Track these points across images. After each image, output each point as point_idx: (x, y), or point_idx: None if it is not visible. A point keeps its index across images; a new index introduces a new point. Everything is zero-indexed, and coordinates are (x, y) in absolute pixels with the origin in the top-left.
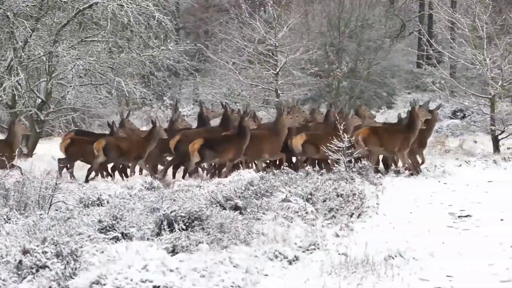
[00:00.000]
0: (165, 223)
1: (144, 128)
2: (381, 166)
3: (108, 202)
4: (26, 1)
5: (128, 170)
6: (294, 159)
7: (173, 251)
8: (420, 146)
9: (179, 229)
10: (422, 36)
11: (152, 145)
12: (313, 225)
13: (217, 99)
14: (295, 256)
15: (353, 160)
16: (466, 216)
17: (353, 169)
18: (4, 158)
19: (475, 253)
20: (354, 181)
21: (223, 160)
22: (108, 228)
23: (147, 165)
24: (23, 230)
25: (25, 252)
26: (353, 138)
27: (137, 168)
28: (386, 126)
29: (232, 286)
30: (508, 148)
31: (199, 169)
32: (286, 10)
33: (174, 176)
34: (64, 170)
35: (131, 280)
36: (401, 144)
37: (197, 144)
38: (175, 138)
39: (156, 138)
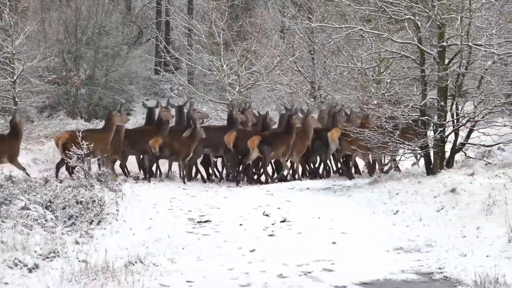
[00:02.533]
0: None
1: None
2: None
3: None
4: None
5: None
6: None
7: None
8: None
9: None
10: (159, 43)
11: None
12: (53, 233)
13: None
14: (35, 264)
15: None
16: (206, 221)
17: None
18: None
19: (215, 258)
20: (94, 188)
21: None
22: None
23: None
24: None
25: None
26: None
27: None
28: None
29: None
30: None
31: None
32: (23, 18)
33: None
34: None
35: None
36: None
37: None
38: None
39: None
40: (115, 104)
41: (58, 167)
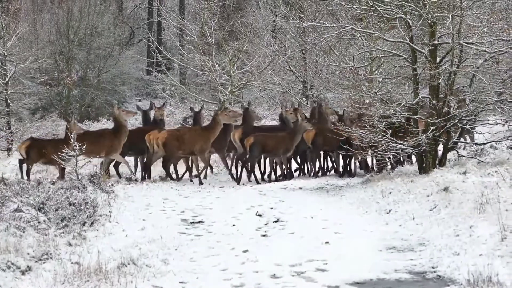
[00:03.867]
0: None
1: None
2: None
3: None
4: None
5: None
6: None
7: None
8: None
9: None
10: (151, 44)
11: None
12: (46, 235)
13: None
14: (28, 266)
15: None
16: (199, 222)
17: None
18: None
19: (208, 258)
20: (87, 190)
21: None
22: None
23: None
24: None
25: None
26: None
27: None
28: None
29: None
30: None
31: None
32: (15, 19)
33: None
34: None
35: None
36: None
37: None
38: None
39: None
40: (108, 105)
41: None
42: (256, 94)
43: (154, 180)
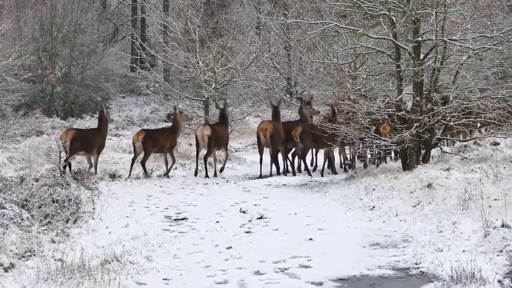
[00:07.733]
0: None
1: None
2: None
3: None
4: None
5: None
6: None
7: None
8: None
9: None
10: (135, 40)
11: None
12: (29, 232)
13: None
14: (11, 263)
15: None
16: (182, 219)
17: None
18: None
19: (191, 255)
20: (70, 187)
21: None
22: None
23: None
24: None
25: None
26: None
27: None
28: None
29: None
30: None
31: None
32: None
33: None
34: None
35: None
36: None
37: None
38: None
39: None
40: (91, 102)
41: None
42: (240, 91)
43: (138, 177)
